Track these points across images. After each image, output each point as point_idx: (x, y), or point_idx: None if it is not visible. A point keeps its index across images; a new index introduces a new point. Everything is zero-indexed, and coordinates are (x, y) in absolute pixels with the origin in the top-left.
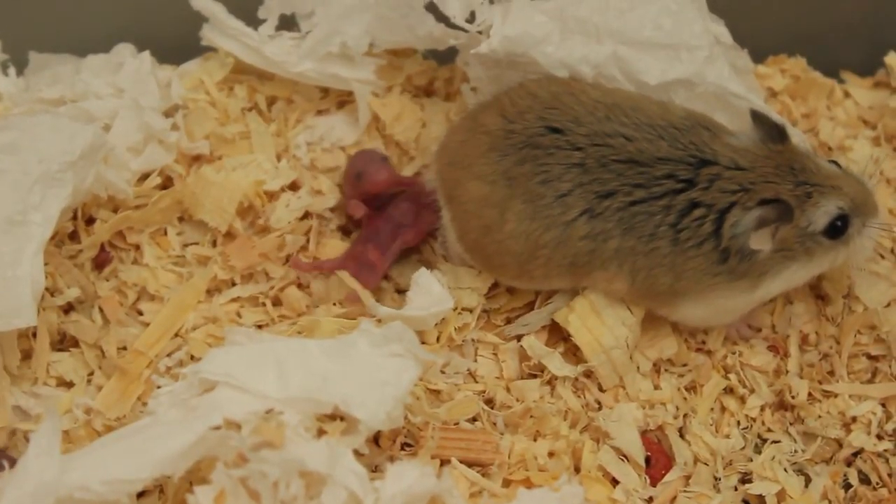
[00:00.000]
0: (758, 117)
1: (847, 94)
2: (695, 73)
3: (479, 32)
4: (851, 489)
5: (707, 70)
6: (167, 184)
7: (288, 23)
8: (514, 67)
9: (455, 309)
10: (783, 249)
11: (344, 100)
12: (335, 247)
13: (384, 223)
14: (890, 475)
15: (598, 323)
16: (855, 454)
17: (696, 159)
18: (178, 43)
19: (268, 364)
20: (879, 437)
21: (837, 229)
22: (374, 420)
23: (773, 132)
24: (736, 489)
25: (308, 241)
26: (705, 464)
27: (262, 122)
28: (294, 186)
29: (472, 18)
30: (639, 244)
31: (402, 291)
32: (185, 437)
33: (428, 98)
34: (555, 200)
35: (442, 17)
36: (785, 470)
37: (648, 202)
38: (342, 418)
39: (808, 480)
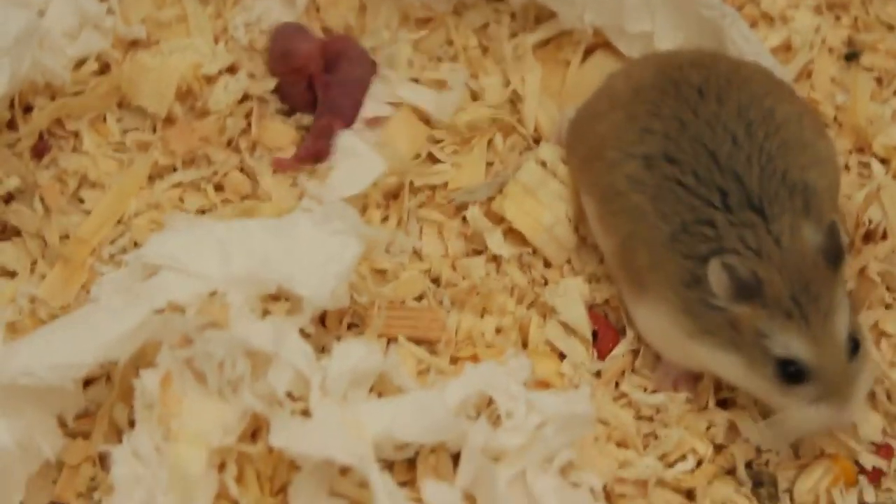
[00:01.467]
0: (831, 232)
1: None
2: None
3: None
4: None
5: None
6: (104, 70)
7: None
8: None
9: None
10: (734, 331)
11: None
12: (277, 129)
13: (338, 90)
14: None
15: (535, 203)
16: None
17: (756, 206)
18: None
19: (210, 246)
20: None
21: (788, 376)
22: (318, 298)
23: (830, 252)
24: None
25: (249, 124)
26: None
27: (198, 5)
28: (233, 69)
29: None
30: (653, 215)
31: None
32: (129, 320)
33: None
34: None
35: None
36: None
37: (689, 190)
38: (287, 299)
39: None
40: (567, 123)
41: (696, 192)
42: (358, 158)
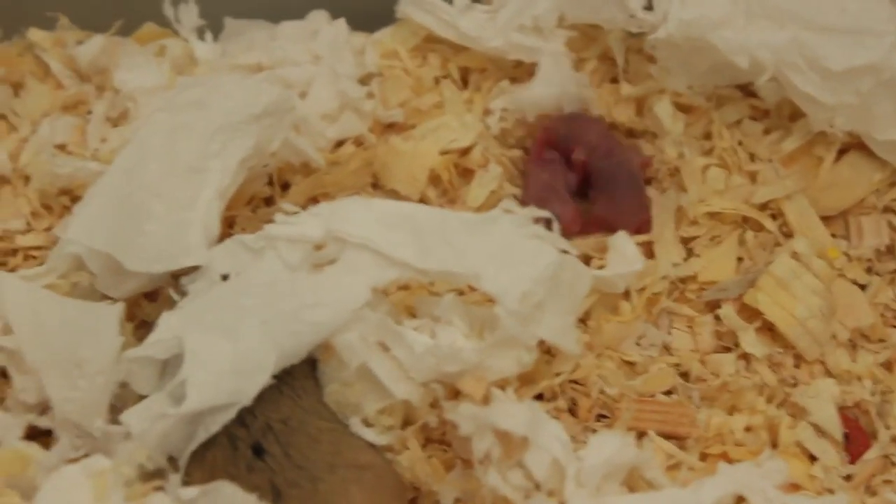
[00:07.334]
0: None
1: None
2: (881, 59)
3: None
4: None
5: (894, 56)
6: (359, 151)
7: None
8: (697, 52)
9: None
10: None
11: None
12: None
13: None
14: None
15: (788, 296)
16: None
17: None
18: (369, 10)
19: (406, 231)
20: None
21: None
22: (506, 297)
23: None
24: None
25: None
26: None
27: (455, 91)
28: (484, 158)
29: (650, 6)
30: None
31: None
32: None
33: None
34: None
35: None
36: None
37: None
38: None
39: None
40: None
41: None
42: (624, 257)
